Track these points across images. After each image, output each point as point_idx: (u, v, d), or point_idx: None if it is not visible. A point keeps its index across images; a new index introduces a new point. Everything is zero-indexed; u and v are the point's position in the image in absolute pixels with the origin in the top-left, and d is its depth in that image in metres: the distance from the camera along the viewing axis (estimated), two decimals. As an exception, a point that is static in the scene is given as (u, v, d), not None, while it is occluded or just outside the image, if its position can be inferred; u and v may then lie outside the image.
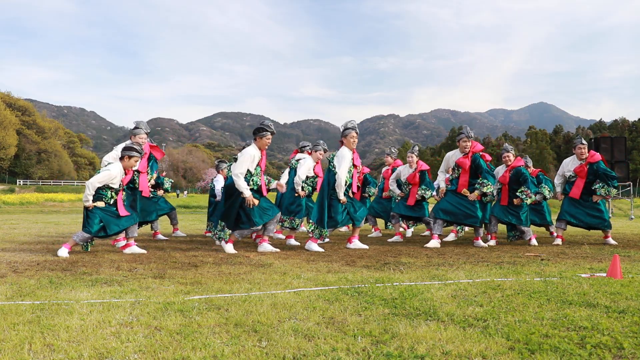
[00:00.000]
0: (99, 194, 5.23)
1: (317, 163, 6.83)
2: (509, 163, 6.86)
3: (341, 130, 6.05)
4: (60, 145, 63.82)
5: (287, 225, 6.65)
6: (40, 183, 51.58)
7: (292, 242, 6.55)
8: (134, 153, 5.35)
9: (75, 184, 55.41)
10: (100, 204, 5.16)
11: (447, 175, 6.71)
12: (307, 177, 6.68)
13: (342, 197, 5.83)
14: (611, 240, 6.88)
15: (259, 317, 2.49)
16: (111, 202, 5.27)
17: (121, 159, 5.37)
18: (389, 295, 3.04)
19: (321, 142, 7.20)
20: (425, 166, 7.59)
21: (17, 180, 51.71)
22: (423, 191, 7.39)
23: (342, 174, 5.79)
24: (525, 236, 6.74)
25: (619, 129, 64.11)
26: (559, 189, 7.22)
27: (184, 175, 72.76)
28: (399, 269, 4.24)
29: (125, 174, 5.45)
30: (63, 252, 5.07)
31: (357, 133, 6.01)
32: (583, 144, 6.87)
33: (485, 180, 6.27)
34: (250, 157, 5.47)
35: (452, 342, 2.09)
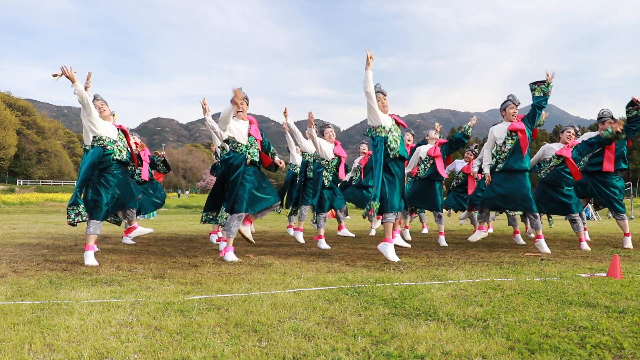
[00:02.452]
0: (106, 151, 4.83)
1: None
2: (569, 141, 6.31)
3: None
4: (60, 145, 63.80)
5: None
6: (40, 183, 51.55)
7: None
8: (94, 101, 5.23)
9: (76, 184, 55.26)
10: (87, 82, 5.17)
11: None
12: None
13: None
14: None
15: (259, 317, 2.49)
16: (118, 158, 4.85)
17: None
18: (389, 295, 3.04)
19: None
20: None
21: (17, 180, 51.69)
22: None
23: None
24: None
25: (619, 129, 64.10)
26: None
27: (184, 175, 72.69)
28: (399, 269, 4.24)
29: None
30: (90, 259, 4.54)
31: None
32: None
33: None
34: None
35: (452, 342, 2.09)
